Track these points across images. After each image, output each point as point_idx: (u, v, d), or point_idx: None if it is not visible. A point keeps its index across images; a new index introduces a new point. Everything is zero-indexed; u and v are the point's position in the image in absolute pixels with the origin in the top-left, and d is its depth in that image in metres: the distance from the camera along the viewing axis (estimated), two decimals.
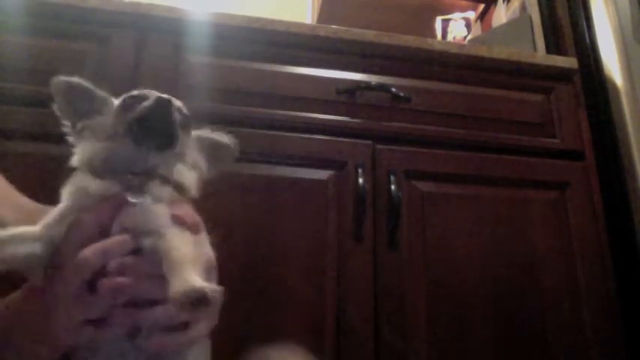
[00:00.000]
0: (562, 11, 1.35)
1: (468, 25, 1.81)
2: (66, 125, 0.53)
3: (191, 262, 0.42)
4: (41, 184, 0.86)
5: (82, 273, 0.43)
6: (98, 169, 0.47)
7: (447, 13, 1.85)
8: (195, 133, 0.54)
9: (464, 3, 1.87)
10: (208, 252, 0.49)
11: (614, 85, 1.17)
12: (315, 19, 1.89)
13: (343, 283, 0.91)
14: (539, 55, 1.28)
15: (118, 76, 0.96)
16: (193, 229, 0.47)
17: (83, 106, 0.52)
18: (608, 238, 1.07)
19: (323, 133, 1.01)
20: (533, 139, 1.10)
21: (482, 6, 1.84)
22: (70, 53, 0.96)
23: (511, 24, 1.48)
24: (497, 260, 0.99)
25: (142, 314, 0.44)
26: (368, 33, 1.09)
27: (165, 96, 0.47)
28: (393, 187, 0.97)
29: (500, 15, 1.64)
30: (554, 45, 1.34)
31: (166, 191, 0.47)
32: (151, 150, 0.47)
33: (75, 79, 0.53)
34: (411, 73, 1.10)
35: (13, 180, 0.85)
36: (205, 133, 0.56)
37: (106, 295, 0.43)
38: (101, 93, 0.52)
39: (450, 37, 1.80)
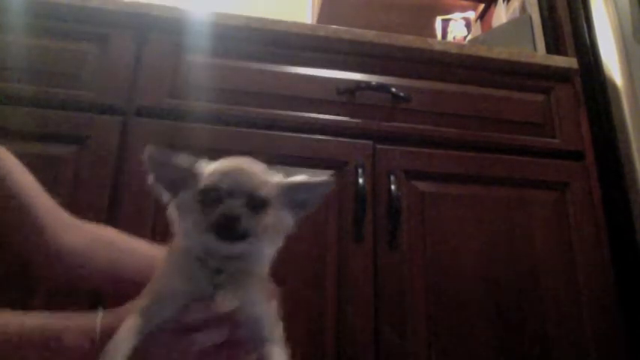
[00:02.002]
0: (562, 11, 1.35)
1: (468, 25, 1.81)
2: (162, 197, 0.55)
3: None
4: (41, 184, 0.86)
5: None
6: (196, 257, 0.52)
7: (447, 13, 1.85)
8: (285, 184, 0.56)
9: (464, 3, 1.87)
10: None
11: (614, 85, 1.17)
12: (315, 19, 1.89)
13: (343, 283, 0.91)
14: (539, 55, 1.28)
15: (118, 76, 0.96)
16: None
17: (172, 177, 0.54)
18: (608, 238, 1.07)
19: (323, 133, 1.01)
20: (533, 139, 1.10)
21: (482, 6, 1.84)
22: (70, 53, 0.96)
23: (511, 24, 1.48)
24: (497, 260, 0.99)
25: None
26: (368, 33, 1.09)
27: (231, 213, 0.50)
28: (393, 187, 0.97)
29: (500, 15, 1.63)
30: (554, 45, 1.34)
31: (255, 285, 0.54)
32: (231, 243, 0.51)
33: (156, 151, 0.53)
34: (411, 73, 1.10)
35: None
36: (296, 181, 0.57)
37: None
38: (183, 163, 0.53)
39: (450, 37, 1.80)
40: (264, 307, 0.55)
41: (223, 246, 0.51)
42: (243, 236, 0.51)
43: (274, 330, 0.55)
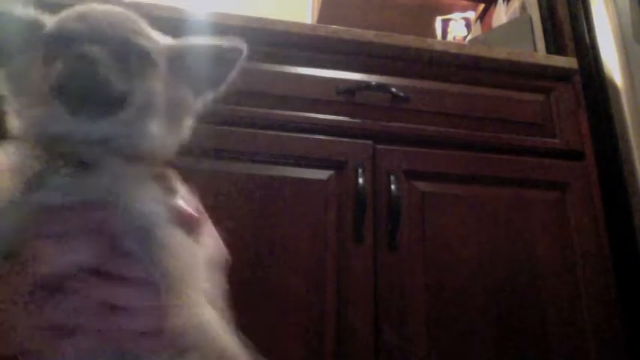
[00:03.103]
0: (562, 11, 1.35)
1: (468, 25, 1.81)
2: None
3: (190, 283, 0.35)
4: None
5: (46, 266, 0.33)
6: (39, 142, 0.34)
7: (447, 13, 1.85)
8: (175, 47, 0.42)
9: (464, 3, 1.87)
10: (219, 244, 0.42)
11: (614, 85, 1.17)
12: (315, 19, 1.89)
13: (343, 283, 0.91)
14: (539, 55, 1.28)
15: None
16: (195, 224, 0.38)
17: (11, 40, 0.37)
18: (608, 238, 1.07)
19: (323, 133, 1.01)
20: (533, 139, 1.10)
21: (482, 6, 1.84)
22: None
23: (511, 24, 1.48)
24: (497, 260, 0.99)
25: (118, 320, 0.34)
26: (368, 33, 1.09)
27: (83, 51, 0.33)
28: (393, 187, 0.97)
29: (500, 15, 1.63)
30: (554, 45, 1.34)
31: (135, 169, 0.36)
32: (92, 117, 0.34)
33: None
34: (411, 73, 1.10)
35: None
36: (190, 43, 0.43)
37: (74, 295, 0.34)
38: (27, 16, 0.37)
39: (450, 37, 1.80)
40: (164, 215, 0.35)
41: (80, 123, 0.33)
42: (113, 103, 0.33)
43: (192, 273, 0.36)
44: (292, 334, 0.86)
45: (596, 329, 0.97)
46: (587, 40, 1.25)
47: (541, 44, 1.36)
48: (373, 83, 1.06)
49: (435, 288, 0.95)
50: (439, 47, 1.13)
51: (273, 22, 1.05)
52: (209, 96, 0.44)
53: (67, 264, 0.34)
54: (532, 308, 0.97)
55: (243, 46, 0.44)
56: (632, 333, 1.01)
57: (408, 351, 0.90)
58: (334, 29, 1.08)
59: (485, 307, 0.95)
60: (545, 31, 1.37)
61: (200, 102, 0.44)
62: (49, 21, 0.37)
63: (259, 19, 1.05)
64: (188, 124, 0.42)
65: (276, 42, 1.05)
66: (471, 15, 1.84)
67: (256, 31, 1.05)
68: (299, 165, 0.97)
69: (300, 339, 0.86)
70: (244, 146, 0.96)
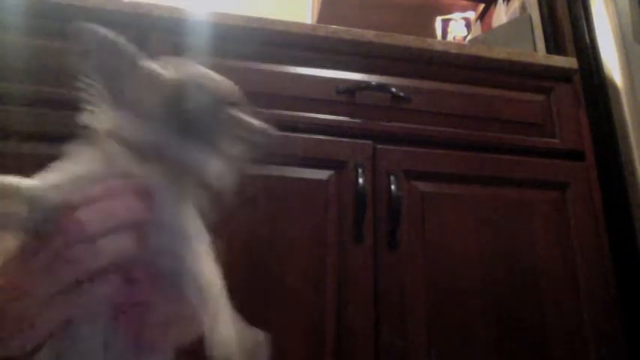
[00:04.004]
0: (562, 11, 1.35)
1: (468, 25, 1.82)
2: (84, 81, 0.45)
3: (223, 307, 0.39)
4: None
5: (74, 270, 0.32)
6: (136, 149, 0.39)
7: (447, 13, 1.85)
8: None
9: (464, 3, 1.87)
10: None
11: (614, 85, 1.17)
12: (315, 19, 1.89)
13: (343, 283, 0.91)
14: (539, 55, 1.28)
15: None
16: None
17: (108, 63, 0.43)
18: (608, 238, 1.07)
19: (323, 133, 1.01)
20: (533, 139, 1.10)
21: (482, 6, 1.84)
22: (70, 53, 0.96)
23: (511, 24, 1.48)
24: (497, 260, 0.99)
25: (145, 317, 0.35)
26: (368, 33, 1.09)
27: (222, 95, 0.42)
28: (393, 187, 0.97)
29: (500, 15, 1.63)
30: (554, 45, 1.34)
31: (204, 197, 0.41)
32: (189, 144, 0.40)
33: (103, 31, 0.43)
34: (411, 73, 1.10)
35: None
36: (238, 113, 0.47)
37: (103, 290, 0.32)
38: (130, 50, 0.44)
39: (450, 37, 1.80)
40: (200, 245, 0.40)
41: (180, 146, 0.39)
42: (211, 141, 0.40)
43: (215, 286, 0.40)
44: (292, 333, 0.86)
45: (596, 329, 0.97)
46: (587, 40, 1.25)
47: (541, 44, 1.36)
48: (373, 83, 1.06)
49: (435, 288, 0.95)
50: (439, 47, 1.13)
51: (273, 22, 1.05)
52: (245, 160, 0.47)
53: (107, 258, 0.32)
54: (532, 308, 0.97)
55: (270, 132, 0.48)
56: (632, 333, 1.01)
57: (408, 351, 0.90)
58: (334, 29, 1.08)
59: (485, 307, 0.95)
60: (545, 31, 1.37)
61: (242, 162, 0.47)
62: (167, 71, 0.43)
63: (259, 19, 1.05)
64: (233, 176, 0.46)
65: (276, 42, 1.05)
66: (471, 15, 1.84)
67: (256, 31, 1.05)
68: (299, 165, 0.97)
69: (300, 339, 0.86)
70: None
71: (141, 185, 0.36)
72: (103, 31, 0.42)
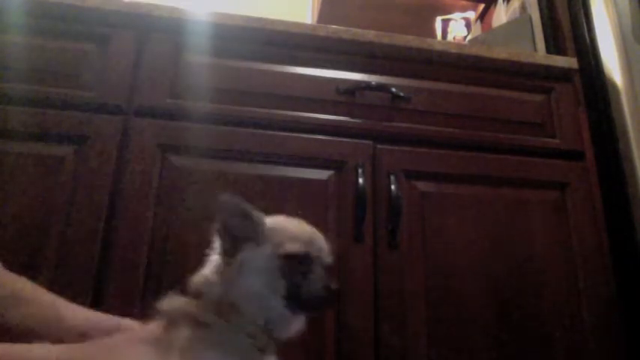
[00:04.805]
0: (562, 11, 1.35)
1: (468, 25, 1.82)
2: (219, 244, 0.51)
3: None
4: (41, 185, 0.86)
5: None
6: (260, 325, 0.46)
7: (447, 13, 1.85)
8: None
9: (464, 3, 1.87)
10: None
11: (614, 85, 1.17)
12: (315, 19, 1.89)
13: (343, 283, 0.91)
14: (539, 55, 1.28)
15: (118, 76, 0.96)
16: None
17: (238, 227, 0.51)
18: (608, 238, 1.07)
19: (323, 133, 1.01)
20: (533, 139, 1.10)
21: (482, 6, 1.84)
22: (71, 53, 0.96)
23: (511, 24, 1.48)
24: (497, 260, 0.99)
25: None
26: (368, 33, 1.09)
27: (335, 287, 0.50)
28: (393, 187, 0.97)
29: (500, 15, 1.64)
30: (554, 45, 1.34)
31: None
32: (299, 317, 0.48)
33: (238, 201, 0.51)
34: (411, 73, 1.10)
35: (13, 180, 0.85)
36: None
37: None
38: (256, 216, 0.51)
39: (450, 37, 1.80)
40: None
41: (296, 318, 0.48)
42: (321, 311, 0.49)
43: None
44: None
45: (596, 328, 0.97)
46: (587, 40, 1.25)
47: (541, 44, 1.36)
48: (373, 83, 1.06)
49: (435, 288, 0.95)
50: (439, 47, 1.13)
51: (273, 22, 1.05)
52: None
53: None
54: (532, 307, 0.97)
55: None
56: (632, 332, 1.01)
57: (408, 351, 0.90)
58: (334, 29, 1.08)
59: (485, 307, 0.95)
60: (545, 31, 1.37)
61: None
62: (266, 225, 0.50)
63: (259, 19, 1.05)
64: None
65: (276, 42, 1.05)
66: (471, 15, 1.84)
67: (256, 31, 1.05)
68: (299, 165, 0.97)
69: (300, 339, 0.86)
70: (244, 146, 0.96)
71: None
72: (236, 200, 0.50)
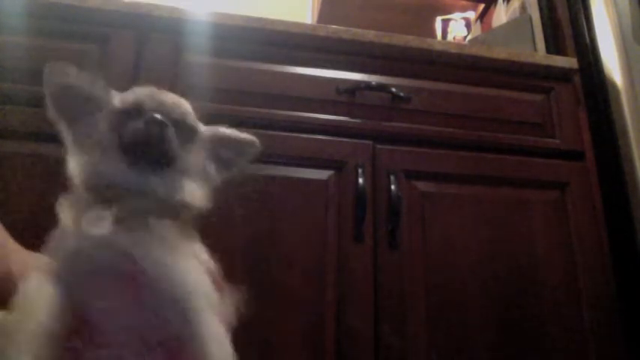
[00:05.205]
0: (562, 11, 1.35)
1: (468, 25, 1.81)
2: (59, 129, 0.48)
3: None
4: (41, 184, 0.86)
5: None
6: (94, 189, 0.42)
7: (447, 13, 1.85)
8: (208, 132, 0.51)
9: (464, 3, 1.87)
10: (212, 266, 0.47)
11: (614, 85, 1.17)
12: (315, 19, 1.89)
13: (343, 283, 0.91)
14: (539, 55, 1.28)
15: (118, 76, 0.96)
16: (221, 290, 0.45)
17: (77, 105, 0.46)
18: (608, 238, 1.07)
19: (323, 133, 1.01)
20: (533, 139, 1.10)
21: (482, 6, 1.84)
22: (70, 53, 0.96)
23: (511, 24, 1.48)
24: (497, 260, 0.99)
25: None
26: (368, 33, 1.09)
27: (158, 117, 0.43)
28: (393, 187, 0.97)
29: (500, 15, 1.63)
30: (554, 45, 1.34)
31: (168, 227, 0.42)
32: (146, 171, 0.42)
33: (69, 77, 0.46)
34: (411, 73, 1.10)
35: (13, 180, 0.85)
36: (220, 131, 0.53)
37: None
38: (97, 91, 0.47)
39: (450, 37, 1.80)
40: (191, 275, 0.41)
41: (136, 175, 0.41)
42: (166, 162, 0.42)
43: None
44: (292, 334, 0.86)
45: (596, 328, 0.97)
46: (587, 40, 1.25)
47: (541, 44, 1.36)
48: (373, 83, 1.06)
49: (435, 288, 0.95)
50: (439, 47, 1.13)
51: (273, 22, 1.05)
52: (224, 174, 0.52)
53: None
54: (532, 307, 0.97)
55: (257, 142, 0.55)
56: (632, 332, 1.01)
57: (408, 351, 0.90)
58: (334, 29, 1.08)
59: (485, 307, 0.95)
60: (545, 31, 1.37)
61: (218, 177, 0.51)
62: (111, 94, 0.46)
63: (259, 19, 1.05)
64: (208, 193, 0.49)
65: (276, 42, 1.05)
66: (471, 15, 1.84)
67: (256, 31, 1.05)
68: (299, 165, 0.97)
69: (300, 339, 0.86)
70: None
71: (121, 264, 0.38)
72: (65, 72, 0.44)
